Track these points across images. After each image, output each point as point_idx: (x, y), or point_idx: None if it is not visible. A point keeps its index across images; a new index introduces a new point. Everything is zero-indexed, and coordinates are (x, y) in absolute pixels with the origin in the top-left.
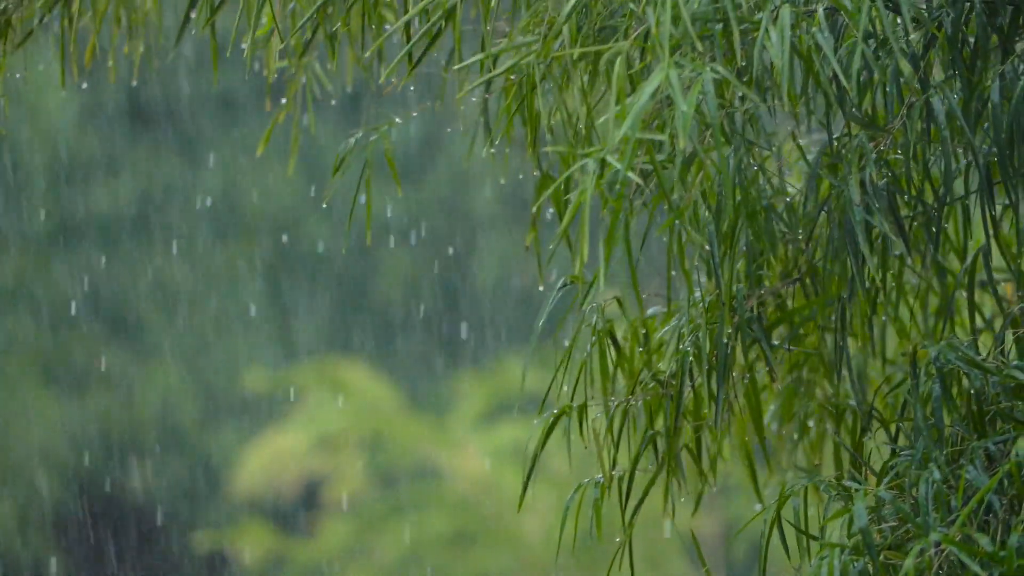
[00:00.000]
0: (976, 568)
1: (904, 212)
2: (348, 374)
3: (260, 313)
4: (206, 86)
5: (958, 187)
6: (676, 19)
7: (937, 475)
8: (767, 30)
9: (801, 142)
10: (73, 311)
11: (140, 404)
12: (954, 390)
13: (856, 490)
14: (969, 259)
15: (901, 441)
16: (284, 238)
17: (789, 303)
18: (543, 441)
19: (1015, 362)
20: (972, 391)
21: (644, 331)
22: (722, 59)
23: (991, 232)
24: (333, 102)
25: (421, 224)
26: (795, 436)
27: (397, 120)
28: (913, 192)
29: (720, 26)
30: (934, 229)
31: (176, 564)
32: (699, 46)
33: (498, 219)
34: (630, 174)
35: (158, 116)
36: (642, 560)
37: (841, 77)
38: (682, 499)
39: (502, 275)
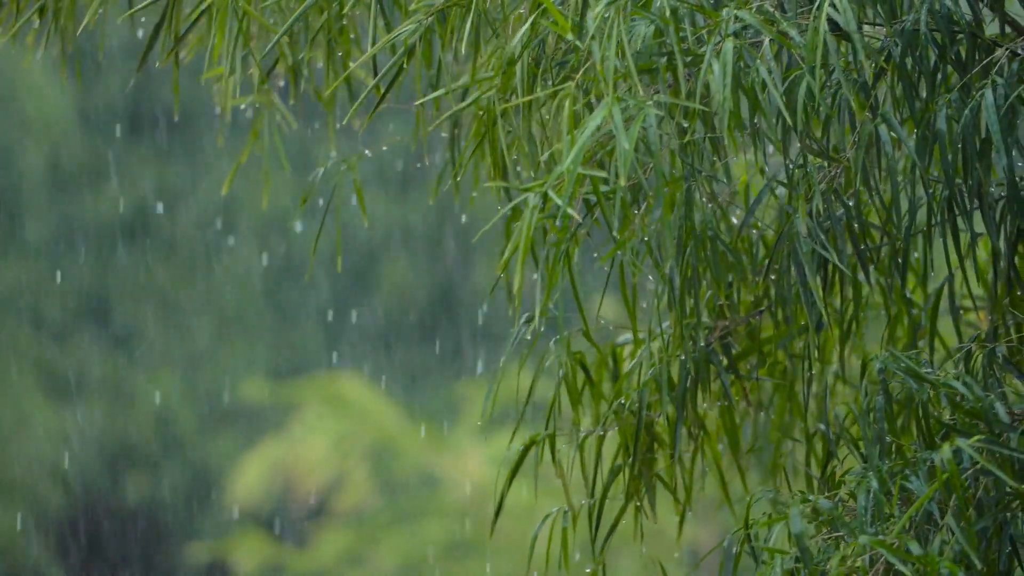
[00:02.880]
0: (907, 571)
1: (871, 242)
2: (347, 383)
3: (259, 322)
4: (206, 90)
5: (925, 214)
6: (621, 53)
7: (875, 484)
8: (710, 63)
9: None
10: (72, 319)
11: (138, 413)
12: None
13: (794, 497)
14: (934, 291)
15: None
16: (284, 247)
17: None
18: (512, 475)
19: (954, 371)
20: (919, 403)
21: (612, 360)
22: (666, 92)
23: (954, 264)
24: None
25: (420, 231)
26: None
27: (367, 152)
28: (877, 221)
29: (664, 59)
30: (900, 260)
31: (174, 573)
32: (638, 87)
33: (497, 225)
34: (569, 210)
35: (157, 121)
36: (642, 569)
37: (784, 112)
38: (687, 506)
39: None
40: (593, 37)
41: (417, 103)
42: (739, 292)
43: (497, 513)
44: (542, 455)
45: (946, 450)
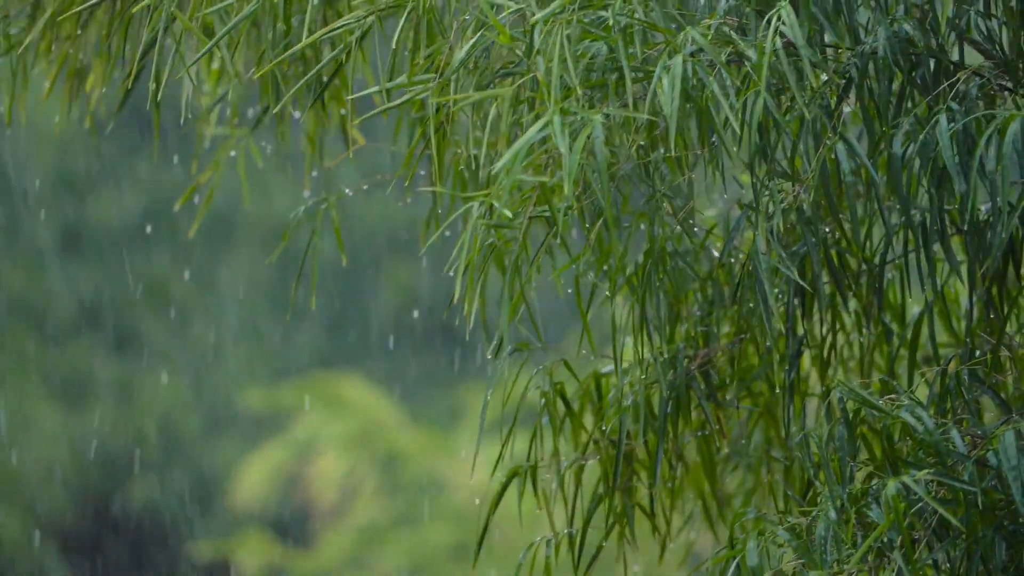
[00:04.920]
0: None
1: (848, 269)
2: (349, 386)
3: (262, 325)
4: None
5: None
6: (567, 67)
7: (833, 515)
8: (660, 78)
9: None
10: (75, 323)
11: (142, 415)
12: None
13: (752, 526)
14: (912, 319)
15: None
16: (288, 250)
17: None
18: (495, 504)
19: (906, 403)
20: (883, 431)
21: (596, 388)
22: (618, 108)
23: (929, 296)
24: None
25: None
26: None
27: (347, 191)
28: (856, 250)
29: (615, 76)
30: (877, 285)
31: (178, 574)
32: (578, 92)
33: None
34: (506, 211)
35: (162, 125)
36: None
37: (734, 124)
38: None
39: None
40: (539, 51)
41: (351, 97)
42: (719, 320)
43: (480, 544)
44: (524, 486)
45: (891, 486)
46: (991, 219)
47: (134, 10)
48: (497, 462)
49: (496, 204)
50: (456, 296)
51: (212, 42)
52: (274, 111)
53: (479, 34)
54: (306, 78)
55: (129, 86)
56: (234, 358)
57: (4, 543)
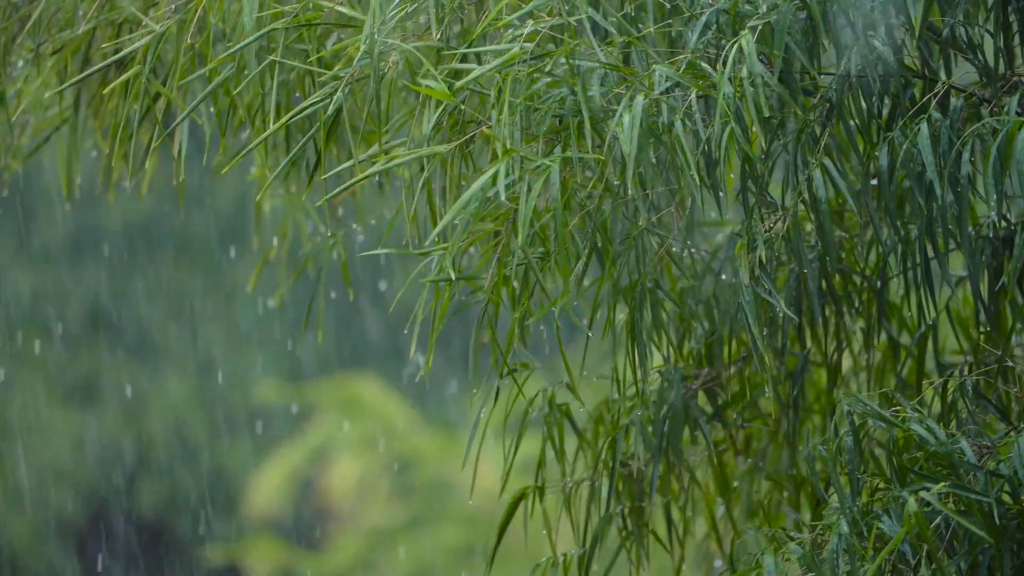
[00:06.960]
0: None
1: (851, 285)
2: (360, 389)
3: (272, 327)
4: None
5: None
6: (521, 117)
7: (845, 528)
8: (621, 118)
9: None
10: (86, 325)
11: (152, 419)
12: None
13: (767, 543)
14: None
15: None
16: (294, 251)
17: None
18: (503, 525)
19: (915, 415)
20: (891, 443)
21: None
22: (583, 151)
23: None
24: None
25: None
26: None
27: (355, 226)
28: (856, 267)
29: (578, 119)
30: (878, 301)
31: None
32: (520, 141)
33: None
34: (451, 271)
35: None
36: None
37: (693, 170)
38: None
39: None
40: (493, 105)
41: (324, 176)
42: (721, 338)
43: (491, 561)
44: (533, 507)
45: (912, 503)
46: (993, 231)
47: (104, 91)
48: (505, 482)
49: (448, 265)
50: (412, 352)
51: (187, 111)
52: (276, 173)
53: (442, 107)
54: (290, 156)
55: (112, 163)
56: (246, 360)
57: (15, 545)
